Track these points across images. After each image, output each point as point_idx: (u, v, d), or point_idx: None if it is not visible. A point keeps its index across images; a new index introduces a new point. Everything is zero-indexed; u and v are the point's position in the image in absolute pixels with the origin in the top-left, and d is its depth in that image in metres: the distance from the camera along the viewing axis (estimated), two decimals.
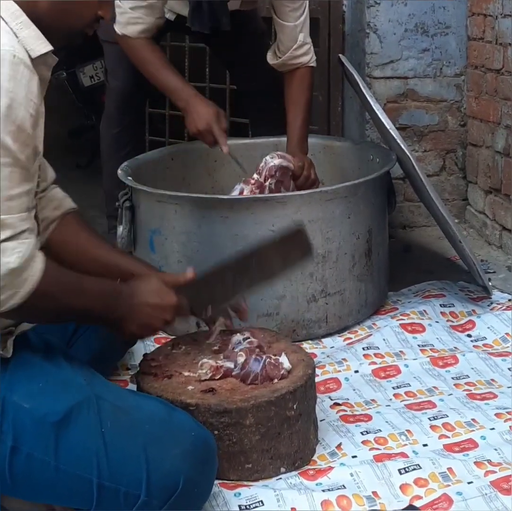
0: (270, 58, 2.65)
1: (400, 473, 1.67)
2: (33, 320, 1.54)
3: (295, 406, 1.70)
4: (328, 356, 2.24)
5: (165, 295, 1.64)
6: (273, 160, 2.46)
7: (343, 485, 1.64)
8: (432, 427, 1.87)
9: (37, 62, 1.46)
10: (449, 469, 1.67)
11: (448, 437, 1.83)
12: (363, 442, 1.82)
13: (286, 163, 2.47)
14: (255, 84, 2.86)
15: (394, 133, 2.43)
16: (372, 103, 2.52)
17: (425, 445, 1.80)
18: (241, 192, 2.44)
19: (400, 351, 2.25)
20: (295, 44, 2.57)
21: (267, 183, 2.45)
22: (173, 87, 2.53)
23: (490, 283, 2.56)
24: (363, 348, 2.25)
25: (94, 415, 1.46)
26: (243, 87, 3.07)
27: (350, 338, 2.36)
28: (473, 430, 1.85)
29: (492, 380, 2.11)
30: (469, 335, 2.37)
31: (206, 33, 2.55)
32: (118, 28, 2.54)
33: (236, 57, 2.88)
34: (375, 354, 2.22)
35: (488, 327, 2.37)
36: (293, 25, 2.56)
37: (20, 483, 1.47)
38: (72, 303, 1.50)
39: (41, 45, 1.47)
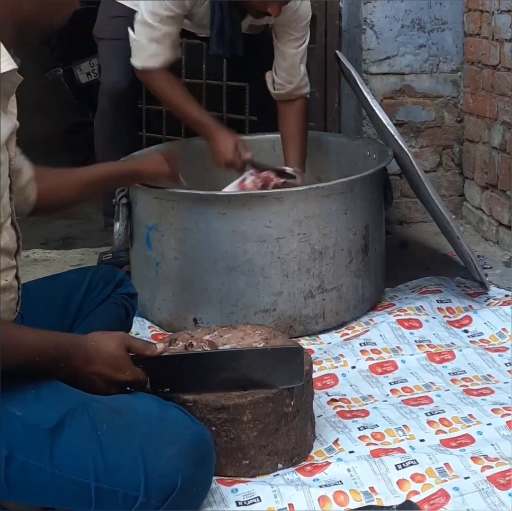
0: (269, 87, 2.70)
1: (397, 469, 1.67)
2: None
3: (292, 403, 1.70)
4: (325, 352, 2.24)
5: (120, 368, 1.52)
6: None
7: (340, 481, 1.65)
8: (429, 422, 1.87)
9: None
10: (446, 464, 1.68)
11: (445, 433, 1.83)
12: (360, 438, 1.82)
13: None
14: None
15: (391, 129, 2.43)
16: (369, 99, 2.52)
17: (422, 440, 1.81)
18: (243, 180, 2.46)
19: (397, 347, 2.25)
20: (298, 75, 2.65)
21: (273, 182, 2.48)
22: (197, 121, 2.60)
23: (487, 279, 2.56)
24: (360, 344, 2.25)
25: (88, 419, 1.45)
26: (253, 84, 3.09)
27: (347, 334, 2.36)
28: (470, 426, 1.85)
29: (489, 375, 2.11)
30: (466, 331, 2.37)
31: (227, 58, 2.62)
32: (138, 63, 2.57)
33: (251, 73, 2.92)
34: (372, 350, 2.23)
35: (485, 323, 2.38)
36: (294, 52, 2.63)
37: (17, 489, 1.46)
38: (20, 362, 1.42)
39: (4, 64, 1.43)
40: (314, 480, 1.66)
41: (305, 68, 2.68)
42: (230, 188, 2.50)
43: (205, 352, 1.71)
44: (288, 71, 2.65)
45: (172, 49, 2.56)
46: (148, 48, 2.53)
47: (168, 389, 1.61)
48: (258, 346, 1.80)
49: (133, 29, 2.54)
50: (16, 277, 1.59)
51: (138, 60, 2.57)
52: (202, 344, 1.78)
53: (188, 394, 1.63)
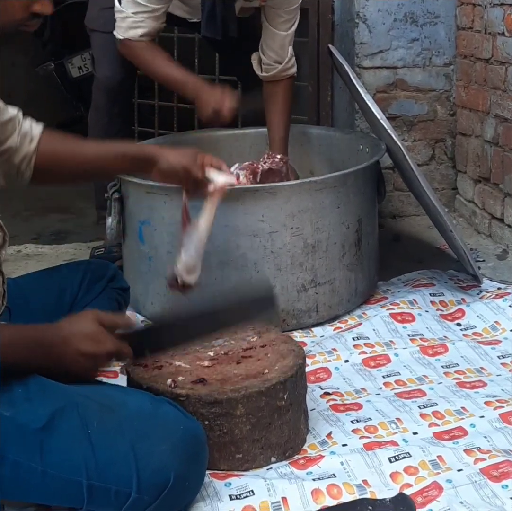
0: (256, 68, 2.68)
1: (390, 461, 1.67)
2: None
3: (285, 396, 1.70)
4: (317, 344, 2.24)
5: (101, 340, 1.50)
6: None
7: (334, 474, 1.65)
8: (422, 415, 1.87)
9: None
10: (439, 457, 1.68)
11: (438, 425, 1.84)
12: (353, 431, 1.82)
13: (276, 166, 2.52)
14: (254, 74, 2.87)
15: (384, 123, 2.43)
16: (362, 93, 2.52)
17: (415, 433, 1.81)
18: (237, 178, 2.46)
19: (390, 341, 2.25)
20: (286, 56, 2.63)
21: (260, 168, 2.50)
22: (183, 81, 2.55)
23: (479, 272, 2.57)
24: (353, 338, 2.25)
25: (78, 416, 1.45)
26: (243, 78, 3.08)
27: (340, 328, 2.36)
28: (463, 418, 1.85)
29: (482, 368, 2.12)
30: (458, 324, 2.38)
31: (218, 42, 2.60)
32: (119, 33, 2.56)
33: (243, 60, 2.90)
34: (365, 344, 2.23)
35: (478, 316, 2.38)
36: (284, 34, 2.61)
37: (10, 487, 1.46)
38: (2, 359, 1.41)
39: None
40: (307, 474, 1.67)
41: (292, 49, 2.66)
42: None
43: (184, 313, 1.71)
44: (277, 52, 2.63)
45: (156, 21, 2.52)
46: (131, 18, 2.50)
47: (148, 353, 1.63)
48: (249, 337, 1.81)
49: (120, 1, 2.52)
50: (1, 271, 1.58)
51: (119, 30, 2.54)
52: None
53: (168, 352, 1.69)
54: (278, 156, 2.58)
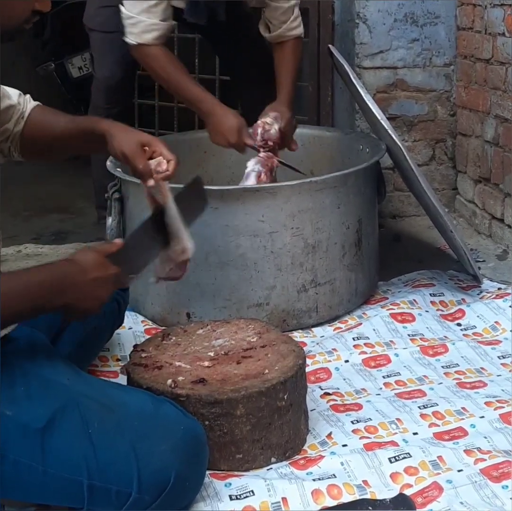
0: (263, 31, 2.67)
1: (390, 462, 1.67)
2: None
3: (285, 397, 1.70)
4: (317, 344, 2.24)
5: (105, 266, 1.56)
6: (273, 127, 2.48)
7: (334, 474, 1.65)
8: (422, 415, 1.87)
9: None
10: (439, 457, 1.68)
11: (438, 426, 1.84)
12: (354, 431, 1.82)
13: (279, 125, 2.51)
14: (252, 71, 2.86)
15: (385, 123, 2.43)
16: (362, 93, 2.52)
17: (415, 433, 1.81)
18: (258, 175, 2.45)
19: (390, 341, 2.25)
20: (292, 16, 2.61)
21: (275, 162, 2.49)
22: (198, 98, 2.52)
23: (480, 272, 2.57)
24: (353, 338, 2.25)
25: (79, 416, 1.45)
26: (240, 76, 3.07)
27: (340, 328, 2.36)
28: (463, 419, 1.85)
29: (482, 368, 2.11)
30: (459, 324, 2.38)
31: (204, 28, 2.57)
32: (132, 39, 2.49)
33: (233, 47, 2.89)
34: (365, 344, 2.23)
35: (478, 316, 2.38)
36: (288, 5, 2.60)
37: (10, 487, 1.46)
38: (18, 306, 1.44)
39: None
40: (307, 474, 1.67)
41: (299, 10, 2.66)
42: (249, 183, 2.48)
43: (142, 224, 1.75)
44: (285, 13, 2.62)
45: (165, 20, 2.48)
46: (141, 23, 2.46)
47: (132, 276, 1.68)
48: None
49: (123, 5, 2.47)
50: None
51: (133, 36, 2.49)
52: None
53: (152, 260, 1.72)
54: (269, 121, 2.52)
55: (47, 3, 1.51)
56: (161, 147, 1.68)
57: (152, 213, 1.74)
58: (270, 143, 2.48)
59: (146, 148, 1.67)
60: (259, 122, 2.49)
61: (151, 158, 1.68)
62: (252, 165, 2.46)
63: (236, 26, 2.80)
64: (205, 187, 1.90)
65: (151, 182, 1.68)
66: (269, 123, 2.48)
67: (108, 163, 2.48)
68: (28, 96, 1.76)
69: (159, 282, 1.81)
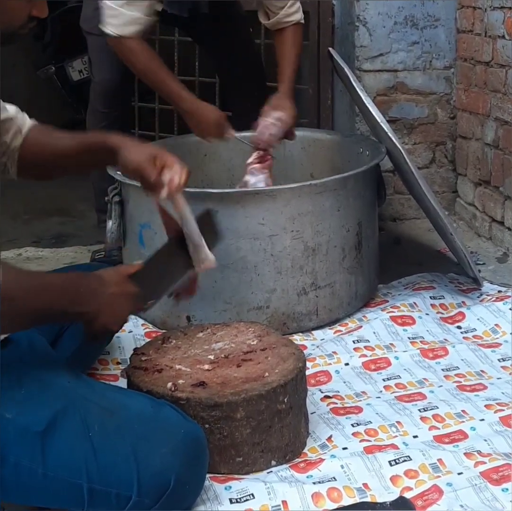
0: (262, 18, 2.68)
1: (391, 465, 1.67)
2: None
3: (285, 400, 1.70)
4: (318, 347, 2.24)
5: (126, 285, 1.58)
6: (275, 128, 2.49)
7: (334, 477, 1.65)
8: (422, 418, 1.87)
9: None
10: (439, 460, 1.68)
11: (438, 429, 1.84)
12: (354, 434, 1.82)
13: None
14: (237, 71, 2.87)
15: (385, 126, 2.43)
16: (362, 96, 2.52)
17: (415, 436, 1.81)
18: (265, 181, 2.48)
19: (390, 344, 2.25)
20: (289, 2, 2.61)
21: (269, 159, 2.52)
22: (177, 94, 2.55)
23: (480, 275, 2.57)
24: (354, 341, 2.25)
25: (79, 419, 1.45)
26: (225, 76, 3.08)
27: (340, 331, 2.36)
28: (463, 421, 1.85)
29: (482, 371, 2.12)
30: (459, 327, 2.38)
31: (186, 22, 2.56)
32: (112, 30, 2.48)
33: (218, 44, 2.89)
34: (365, 347, 2.23)
35: (478, 319, 2.38)
36: None
37: (11, 489, 1.46)
38: (37, 304, 1.44)
39: None
40: (307, 477, 1.67)
41: None
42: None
43: (160, 249, 1.76)
44: (279, 5, 2.63)
45: (147, 14, 2.47)
46: (123, 15, 2.44)
47: (153, 300, 1.68)
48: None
49: None
50: None
51: (113, 27, 2.47)
52: None
53: (172, 286, 1.73)
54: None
55: (44, 9, 1.51)
56: (172, 159, 1.68)
57: (169, 238, 1.75)
58: (271, 146, 2.50)
59: (157, 161, 1.67)
60: (265, 124, 2.49)
61: (162, 169, 1.68)
62: (255, 173, 2.48)
63: (227, 27, 2.81)
64: (217, 221, 1.85)
65: (164, 194, 1.67)
66: (274, 123, 2.49)
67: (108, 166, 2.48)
68: (24, 114, 1.75)
69: (176, 299, 1.80)
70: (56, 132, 1.77)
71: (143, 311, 1.77)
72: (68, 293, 1.49)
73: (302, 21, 2.71)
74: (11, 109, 1.69)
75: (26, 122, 1.73)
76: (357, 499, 1.60)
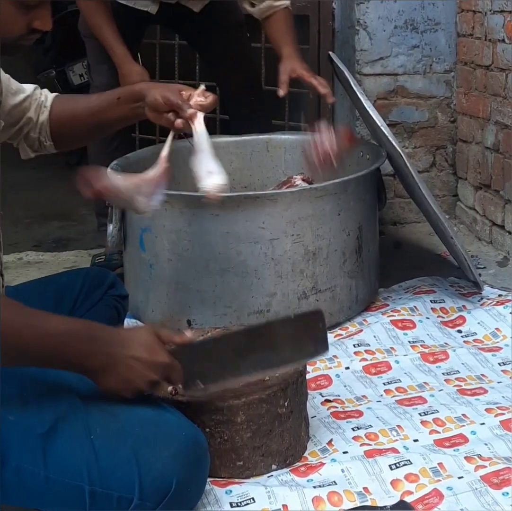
0: (247, 6, 2.69)
1: (391, 469, 1.67)
2: None
3: (286, 403, 1.70)
4: None
5: (156, 351, 1.46)
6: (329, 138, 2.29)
7: (334, 481, 1.65)
8: (422, 422, 1.87)
9: None
10: (440, 464, 1.68)
11: (439, 433, 1.84)
12: (354, 438, 1.82)
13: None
14: (233, 79, 2.88)
15: (385, 130, 2.43)
16: (363, 100, 2.52)
17: (415, 440, 1.81)
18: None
19: (390, 348, 2.25)
20: None
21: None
22: (109, 47, 2.69)
23: (480, 279, 2.57)
24: (354, 345, 2.25)
25: (81, 422, 1.45)
26: (222, 83, 3.08)
27: (341, 335, 2.36)
28: (464, 425, 1.85)
29: (483, 375, 2.11)
30: (459, 331, 2.38)
31: (179, 22, 2.58)
32: None
33: (214, 53, 2.90)
34: (365, 351, 2.23)
35: (478, 323, 2.38)
36: None
37: (12, 492, 1.46)
38: (32, 346, 1.37)
39: None
40: (308, 481, 1.66)
41: None
42: None
43: (236, 331, 1.65)
44: None
45: None
46: None
47: (200, 383, 1.53)
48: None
49: None
50: (1, 274, 1.58)
51: None
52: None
53: (220, 384, 1.58)
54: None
55: (47, 22, 1.47)
56: (197, 90, 1.74)
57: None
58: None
59: (183, 92, 1.73)
60: (321, 140, 2.22)
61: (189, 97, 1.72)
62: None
63: (222, 35, 2.81)
64: (325, 325, 1.65)
65: (189, 111, 1.69)
66: (327, 137, 2.26)
67: (109, 170, 2.48)
68: (45, 89, 1.79)
69: None
70: (80, 96, 1.82)
71: (172, 394, 1.62)
72: (70, 343, 1.40)
73: (290, 7, 2.71)
74: (27, 87, 1.73)
75: (48, 96, 1.76)
76: (357, 503, 1.60)
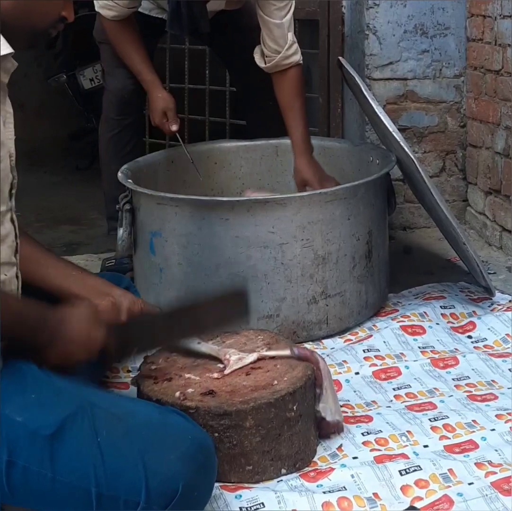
0: (259, 61, 2.65)
1: (401, 474, 1.67)
2: None
3: (295, 407, 1.70)
4: (328, 356, 2.24)
5: (93, 331, 1.55)
6: None
7: (344, 487, 1.64)
8: (432, 428, 1.87)
9: None
10: (450, 470, 1.67)
11: (449, 438, 1.83)
12: (364, 443, 1.82)
13: None
14: (251, 80, 2.87)
15: (396, 135, 2.42)
16: (373, 105, 2.51)
17: (425, 446, 1.80)
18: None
19: (400, 353, 2.25)
20: (285, 44, 2.58)
21: None
22: (138, 73, 2.74)
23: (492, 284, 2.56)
24: (364, 350, 2.25)
25: (88, 424, 1.45)
26: (240, 85, 3.09)
27: (351, 340, 2.36)
28: (474, 431, 1.84)
29: (493, 381, 2.11)
30: (469, 337, 2.37)
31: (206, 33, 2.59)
32: (96, 6, 2.66)
33: (232, 54, 2.90)
34: (375, 356, 2.22)
35: (489, 328, 2.37)
36: (279, 22, 2.56)
37: (19, 493, 1.46)
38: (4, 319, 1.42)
39: (3, 47, 1.42)
40: (317, 486, 1.66)
41: (294, 36, 2.62)
42: None
43: (165, 310, 1.83)
44: (276, 41, 2.58)
45: (126, 7, 2.61)
46: (101, 1, 2.62)
47: (135, 349, 1.70)
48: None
49: None
50: (17, 276, 1.59)
51: (96, 4, 2.66)
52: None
53: (152, 349, 1.79)
54: None
55: (72, 12, 1.54)
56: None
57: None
58: None
59: None
60: None
61: None
62: None
63: (238, 38, 2.82)
64: (248, 300, 1.83)
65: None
66: None
67: (119, 174, 2.49)
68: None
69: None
70: (43, 255, 1.74)
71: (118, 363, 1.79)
72: (24, 323, 1.47)
73: (301, 61, 2.66)
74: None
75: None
76: (367, 509, 1.59)
